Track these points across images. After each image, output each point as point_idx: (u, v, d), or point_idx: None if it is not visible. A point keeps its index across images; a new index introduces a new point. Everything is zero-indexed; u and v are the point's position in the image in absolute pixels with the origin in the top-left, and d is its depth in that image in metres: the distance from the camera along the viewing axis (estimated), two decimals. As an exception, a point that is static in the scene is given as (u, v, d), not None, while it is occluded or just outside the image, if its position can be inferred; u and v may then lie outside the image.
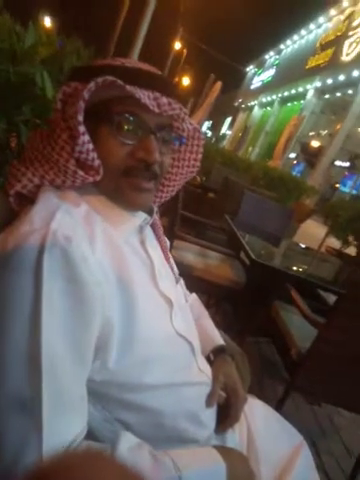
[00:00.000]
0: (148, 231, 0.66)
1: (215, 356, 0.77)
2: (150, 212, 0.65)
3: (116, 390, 0.53)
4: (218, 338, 0.82)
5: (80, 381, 0.49)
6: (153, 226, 0.70)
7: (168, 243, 0.75)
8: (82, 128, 0.50)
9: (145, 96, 0.52)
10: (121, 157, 0.54)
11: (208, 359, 0.75)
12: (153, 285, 0.60)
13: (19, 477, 0.42)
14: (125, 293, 0.52)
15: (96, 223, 0.54)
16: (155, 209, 0.68)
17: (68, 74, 0.56)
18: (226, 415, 0.70)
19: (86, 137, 0.51)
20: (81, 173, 0.52)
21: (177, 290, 0.71)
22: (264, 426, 0.78)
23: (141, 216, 0.62)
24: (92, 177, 0.53)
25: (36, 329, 0.44)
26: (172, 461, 0.50)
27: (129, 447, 0.49)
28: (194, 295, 0.90)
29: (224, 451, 0.60)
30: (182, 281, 0.76)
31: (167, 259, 0.72)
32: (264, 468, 0.69)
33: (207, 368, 0.70)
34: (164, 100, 0.54)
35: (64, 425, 0.46)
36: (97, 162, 0.53)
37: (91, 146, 0.52)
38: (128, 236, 0.60)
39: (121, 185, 0.56)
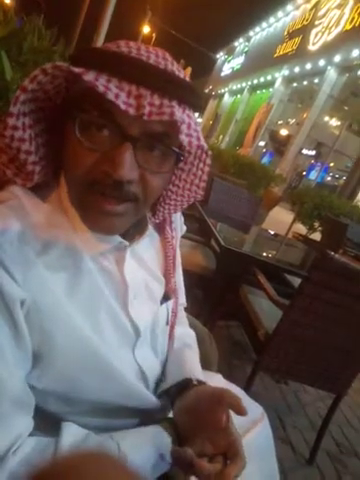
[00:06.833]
0: (142, 244, 0.57)
1: (182, 391, 0.60)
2: (132, 234, 0.54)
3: (54, 403, 0.51)
4: (197, 371, 0.66)
5: (21, 382, 0.45)
6: (160, 236, 0.62)
7: (179, 257, 0.66)
8: (11, 121, 0.42)
9: (123, 91, 0.40)
10: (85, 166, 0.43)
11: (180, 385, 0.61)
12: (121, 310, 0.53)
13: (23, 477, 0.42)
14: (73, 317, 0.47)
15: (57, 233, 0.47)
16: (149, 228, 0.57)
17: None
18: None
19: (18, 133, 0.43)
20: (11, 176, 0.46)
21: (158, 312, 0.62)
22: None
23: (113, 240, 0.51)
24: (22, 181, 0.46)
25: None
26: (110, 437, 0.49)
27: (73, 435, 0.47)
28: (192, 333, 0.78)
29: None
30: (173, 300, 0.66)
31: (168, 273, 0.63)
32: None
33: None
34: (154, 100, 0.41)
35: (10, 427, 0.44)
36: (30, 168, 0.45)
37: (24, 146, 0.43)
38: (98, 255, 0.51)
39: (86, 201, 0.45)
